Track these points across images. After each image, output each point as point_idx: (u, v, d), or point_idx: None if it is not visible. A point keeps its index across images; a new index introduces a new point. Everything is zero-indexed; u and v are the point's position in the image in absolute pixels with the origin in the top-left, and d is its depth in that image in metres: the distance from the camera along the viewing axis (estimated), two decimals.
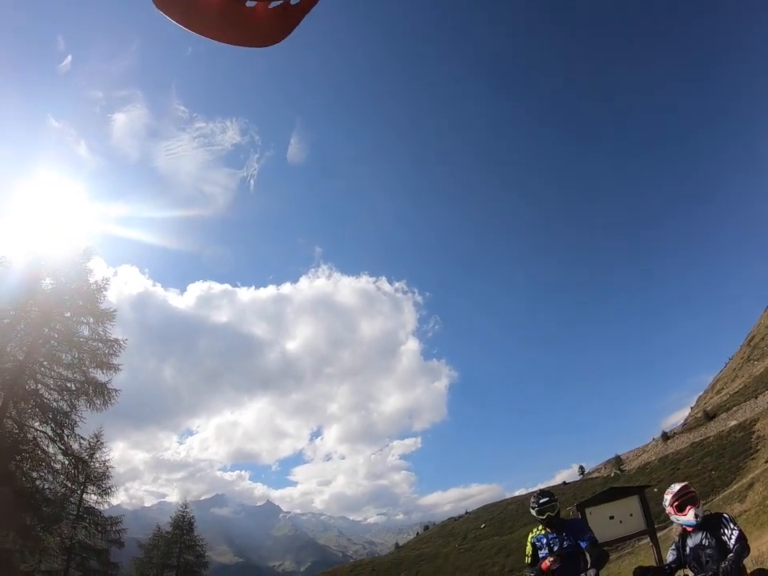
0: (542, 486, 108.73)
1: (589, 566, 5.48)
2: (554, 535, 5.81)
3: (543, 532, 5.94)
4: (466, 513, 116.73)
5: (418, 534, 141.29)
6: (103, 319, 23.54)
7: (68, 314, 23.26)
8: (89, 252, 25.34)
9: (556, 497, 6.02)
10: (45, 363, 22.51)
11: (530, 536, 6.13)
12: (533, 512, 6.09)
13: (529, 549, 6.04)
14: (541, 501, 5.93)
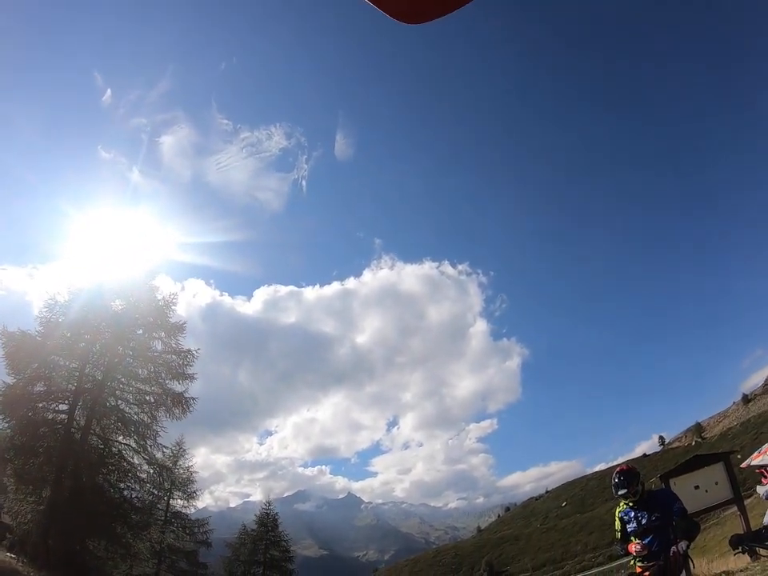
0: (622, 460, 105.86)
1: (680, 537, 5.24)
2: (642, 510, 5.59)
3: (631, 505, 5.73)
4: (547, 492, 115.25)
5: (499, 516, 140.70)
6: (174, 332, 24.47)
7: (140, 331, 24.35)
8: (154, 272, 26.46)
9: (634, 478, 5.69)
10: (123, 380, 23.66)
11: (617, 510, 5.92)
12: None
13: (618, 524, 5.86)
14: (619, 493, 5.70)
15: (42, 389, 22.15)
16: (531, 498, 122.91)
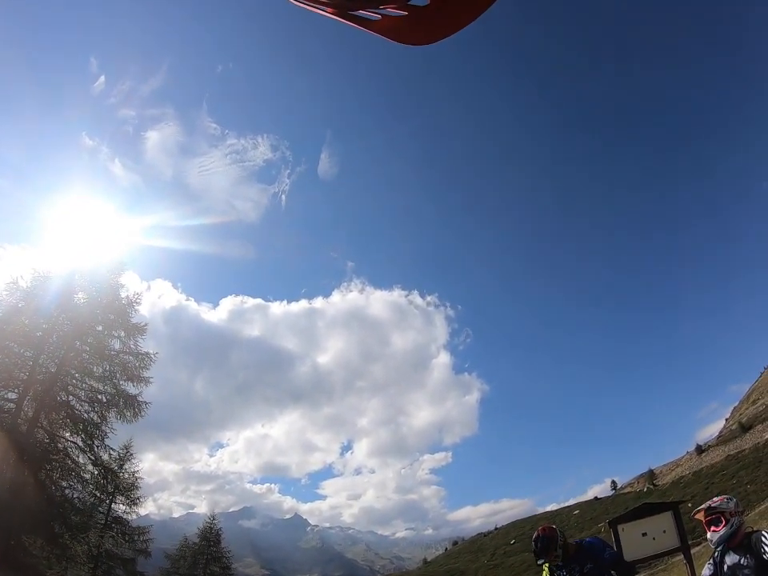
0: (574, 501, 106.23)
1: None
2: (573, 564, 5.38)
3: (560, 564, 5.47)
4: (496, 528, 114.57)
5: (446, 549, 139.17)
6: (134, 333, 24.06)
7: (99, 328, 23.82)
8: (121, 267, 25.93)
9: (551, 543, 5.40)
10: (76, 375, 23.06)
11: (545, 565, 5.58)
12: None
13: (546, 573, 5.60)
14: (539, 562, 5.47)
15: None
16: (480, 533, 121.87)
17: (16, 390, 21.47)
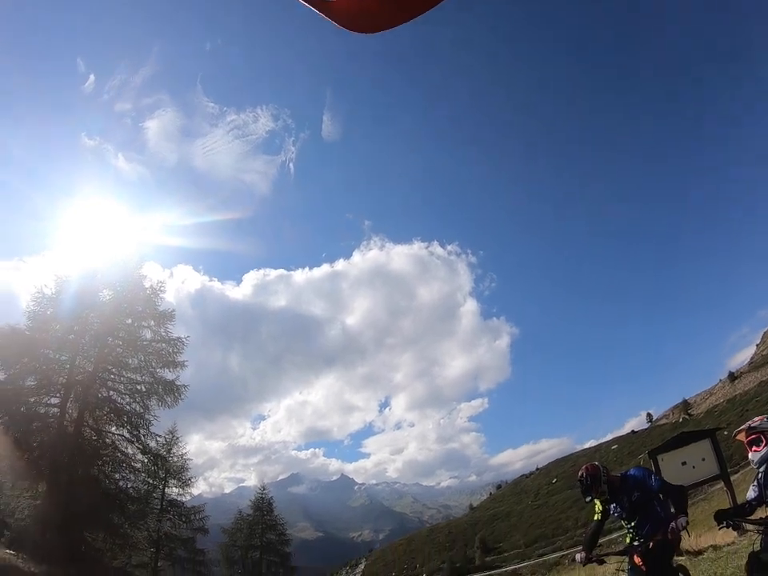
0: (611, 437, 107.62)
1: (673, 510, 5.19)
2: (619, 496, 5.51)
3: (607, 500, 5.62)
4: (537, 469, 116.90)
5: (491, 494, 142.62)
6: (163, 320, 24.47)
7: (129, 321, 24.28)
8: (141, 259, 26.26)
9: (596, 480, 5.52)
10: (113, 370, 23.63)
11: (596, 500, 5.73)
12: None
13: (598, 506, 5.73)
14: (587, 500, 5.64)
15: (32, 383, 22.02)
16: (522, 475, 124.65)
17: (58, 395, 22.18)
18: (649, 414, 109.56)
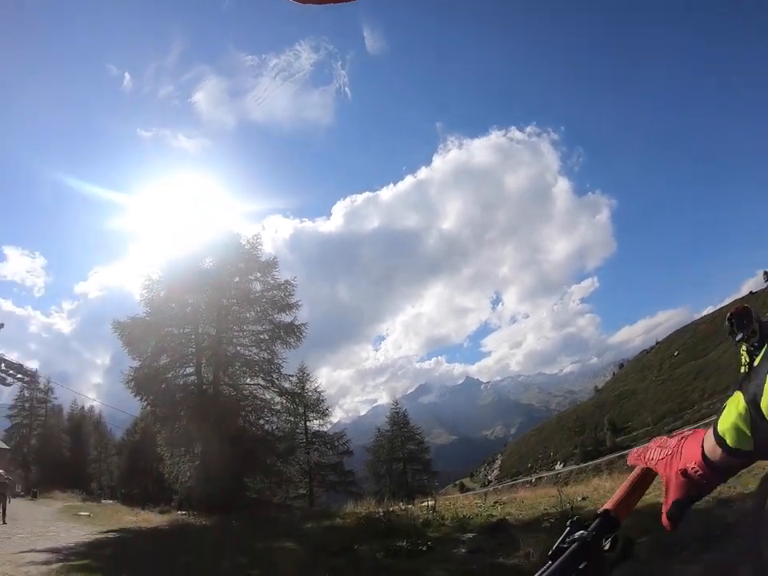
0: (729, 301, 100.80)
1: None
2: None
3: (755, 346, 5.28)
4: (657, 343, 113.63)
5: (613, 374, 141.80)
6: (268, 269, 25.61)
7: (237, 279, 25.60)
8: (231, 220, 27.36)
9: (747, 318, 5.29)
10: (235, 328, 25.35)
11: (743, 344, 5.44)
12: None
13: (744, 356, 5.45)
14: (737, 339, 5.38)
15: (166, 361, 24.30)
16: (643, 351, 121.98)
17: (191, 364, 24.51)
18: (765, 273, 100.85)
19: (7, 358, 26.41)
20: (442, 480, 46.17)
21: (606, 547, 0.90)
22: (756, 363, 0.74)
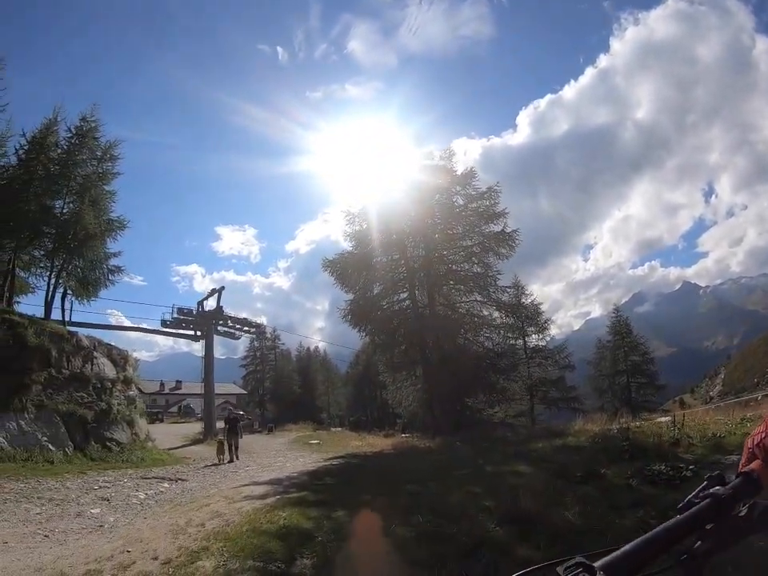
0: None
1: None
2: None
3: None
4: None
5: None
6: (467, 180, 24.88)
7: (437, 197, 25.18)
8: (419, 144, 26.38)
9: None
10: (444, 246, 25.21)
11: None
12: None
13: None
14: None
15: (378, 289, 25.25)
16: None
17: (404, 289, 24.94)
18: None
19: (233, 315, 30.02)
20: (660, 397, 41.74)
21: (742, 513, 0.80)
22: None
